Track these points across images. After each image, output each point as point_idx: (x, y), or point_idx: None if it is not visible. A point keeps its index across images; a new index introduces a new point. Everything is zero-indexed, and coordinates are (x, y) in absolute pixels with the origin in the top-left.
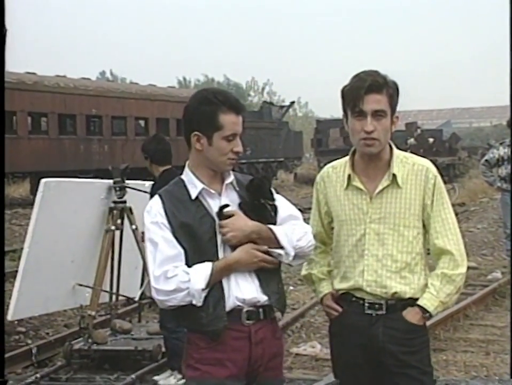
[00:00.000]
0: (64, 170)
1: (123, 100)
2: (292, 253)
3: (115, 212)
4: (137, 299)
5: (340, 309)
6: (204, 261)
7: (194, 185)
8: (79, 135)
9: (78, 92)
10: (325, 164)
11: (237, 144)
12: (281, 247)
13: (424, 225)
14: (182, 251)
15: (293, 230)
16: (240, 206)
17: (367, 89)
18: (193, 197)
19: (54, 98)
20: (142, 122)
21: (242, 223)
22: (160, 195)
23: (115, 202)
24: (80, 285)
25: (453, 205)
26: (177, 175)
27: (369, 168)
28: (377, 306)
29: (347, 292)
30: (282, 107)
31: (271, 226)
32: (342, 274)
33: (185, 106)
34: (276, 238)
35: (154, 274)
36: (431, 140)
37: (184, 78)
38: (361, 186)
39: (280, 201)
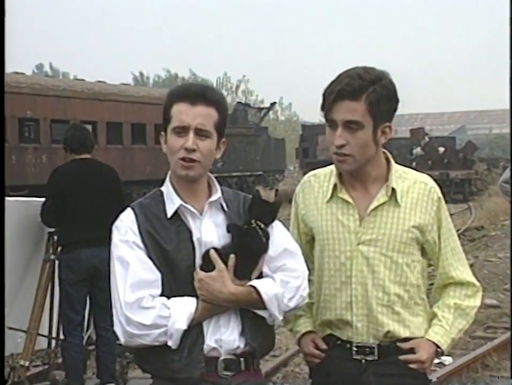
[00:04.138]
0: None
1: (65, 100)
2: (280, 318)
3: (55, 237)
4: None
5: (321, 355)
6: (181, 290)
7: (172, 201)
8: (11, 143)
9: (8, 89)
10: None
11: (188, 139)
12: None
13: (421, 253)
14: (159, 276)
15: (285, 286)
16: (228, 229)
17: (338, 94)
18: (169, 215)
19: None
20: (89, 127)
21: (218, 287)
22: (132, 209)
23: None
24: (11, 328)
25: (468, 229)
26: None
27: (357, 182)
28: (367, 350)
29: (331, 334)
30: (260, 109)
31: (260, 287)
32: (321, 304)
33: None
34: (263, 302)
35: (126, 299)
36: (442, 149)
37: (141, 74)
38: (349, 199)
39: (277, 230)
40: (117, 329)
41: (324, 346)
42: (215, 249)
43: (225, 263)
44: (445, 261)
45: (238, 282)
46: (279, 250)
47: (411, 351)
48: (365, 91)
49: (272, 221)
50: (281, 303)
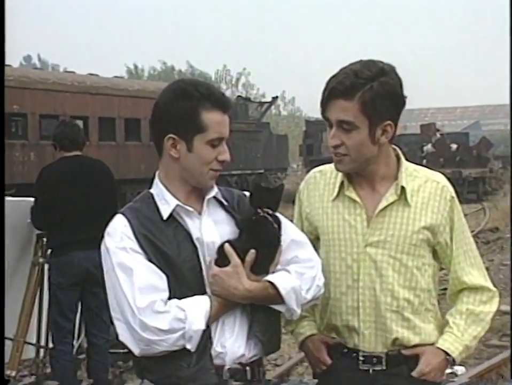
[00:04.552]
0: None
1: (55, 94)
2: (298, 312)
3: (44, 239)
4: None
5: (328, 361)
6: (185, 293)
7: (166, 202)
8: None
9: None
10: None
11: (223, 151)
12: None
13: (433, 256)
14: (165, 279)
15: (301, 278)
16: (237, 225)
17: (330, 93)
18: (165, 216)
19: None
20: (80, 122)
21: (233, 284)
22: (123, 214)
23: None
24: None
25: (482, 231)
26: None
27: (364, 180)
28: (374, 359)
29: (336, 340)
30: (262, 103)
31: (276, 281)
32: (325, 308)
33: (155, 101)
34: (280, 296)
35: (137, 304)
36: (454, 146)
37: (135, 66)
38: (356, 198)
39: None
40: (130, 338)
41: (334, 341)
42: (230, 243)
43: (240, 257)
44: (457, 265)
45: (254, 277)
46: (286, 242)
47: (416, 358)
48: (360, 90)
49: (278, 206)
50: (299, 296)
